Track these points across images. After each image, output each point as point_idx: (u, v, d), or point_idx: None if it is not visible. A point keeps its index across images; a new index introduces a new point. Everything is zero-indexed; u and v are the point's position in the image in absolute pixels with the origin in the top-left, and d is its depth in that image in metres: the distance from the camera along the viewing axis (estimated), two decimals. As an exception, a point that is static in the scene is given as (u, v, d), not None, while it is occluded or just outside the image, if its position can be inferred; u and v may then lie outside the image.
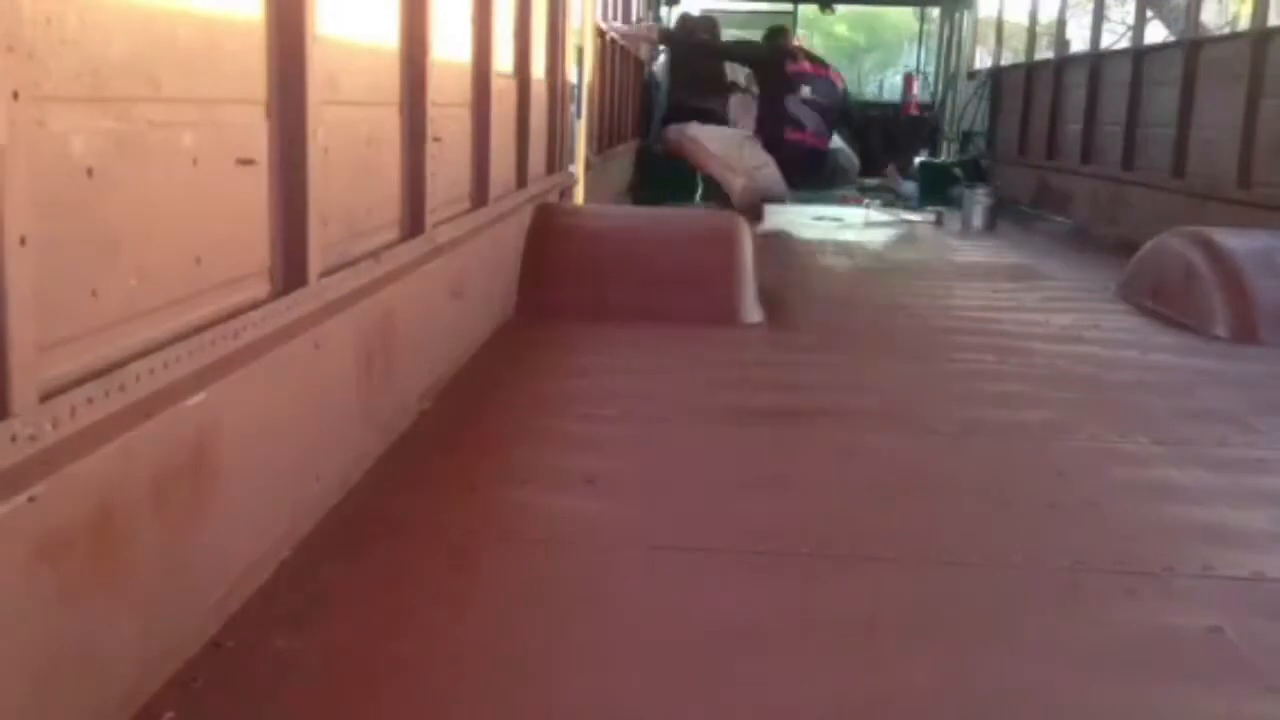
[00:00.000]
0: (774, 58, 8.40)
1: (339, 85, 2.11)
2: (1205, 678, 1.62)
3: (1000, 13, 13.45)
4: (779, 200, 7.75)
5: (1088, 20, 9.49)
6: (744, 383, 3.20)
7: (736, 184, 7.58)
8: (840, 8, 17.31)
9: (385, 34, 2.53)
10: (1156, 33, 10.23)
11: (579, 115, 5.82)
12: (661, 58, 13.43)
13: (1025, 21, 11.65)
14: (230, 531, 1.63)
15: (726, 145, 8.02)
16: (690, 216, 5.31)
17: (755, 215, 6.89)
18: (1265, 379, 3.41)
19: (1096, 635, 1.73)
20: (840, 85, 8.54)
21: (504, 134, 3.78)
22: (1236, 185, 5.97)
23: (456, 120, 3.17)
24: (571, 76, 5.35)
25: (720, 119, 13.41)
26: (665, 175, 10.36)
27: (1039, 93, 10.42)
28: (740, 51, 9.99)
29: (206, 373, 1.56)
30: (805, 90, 8.00)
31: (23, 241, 1.15)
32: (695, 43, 11.67)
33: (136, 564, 1.39)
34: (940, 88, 13.97)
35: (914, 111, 14.05)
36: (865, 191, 11.57)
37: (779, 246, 6.47)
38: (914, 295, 4.68)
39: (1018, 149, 10.76)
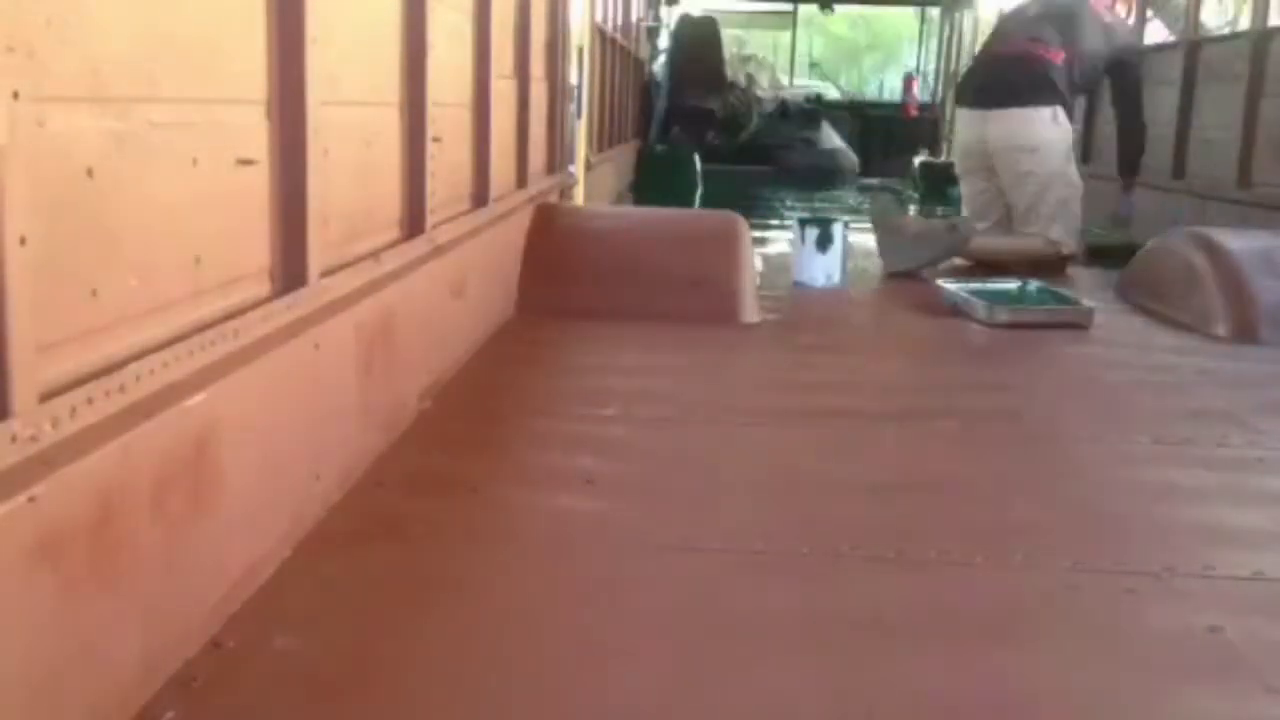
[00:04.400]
0: None
1: (339, 85, 2.11)
2: (1205, 678, 1.62)
3: (1000, 13, 13.42)
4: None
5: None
6: (744, 382, 3.20)
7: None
8: (840, 8, 17.33)
9: (385, 34, 2.53)
10: (1157, 32, 10.24)
11: (579, 115, 5.82)
12: (661, 57, 13.44)
13: (1025, 21, 11.65)
14: (230, 531, 1.63)
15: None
16: (690, 216, 5.31)
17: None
18: (1265, 379, 3.41)
19: (1096, 635, 1.73)
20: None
21: (504, 134, 3.78)
22: (1236, 185, 5.98)
23: (456, 120, 3.17)
24: (571, 76, 5.35)
25: (719, 120, 13.44)
26: (665, 175, 10.38)
27: (1039, 93, 10.42)
28: None
29: (206, 373, 1.56)
30: None
31: (23, 241, 1.15)
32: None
33: (136, 564, 1.39)
34: (940, 88, 13.99)
35: (914, 112, 14.09)
36: (865, 192, 11.58)
37: None
38: (913, 294, 4.67)
39: (1018, 149, 10.75)
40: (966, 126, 5.59)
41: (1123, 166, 5.75)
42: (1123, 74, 5.55)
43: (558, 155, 5.00)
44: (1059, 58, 5.27)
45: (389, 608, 1.73)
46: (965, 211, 5.66)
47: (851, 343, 3.89)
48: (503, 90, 3.73)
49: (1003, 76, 5.34)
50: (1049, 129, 5.23)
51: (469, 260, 3.23)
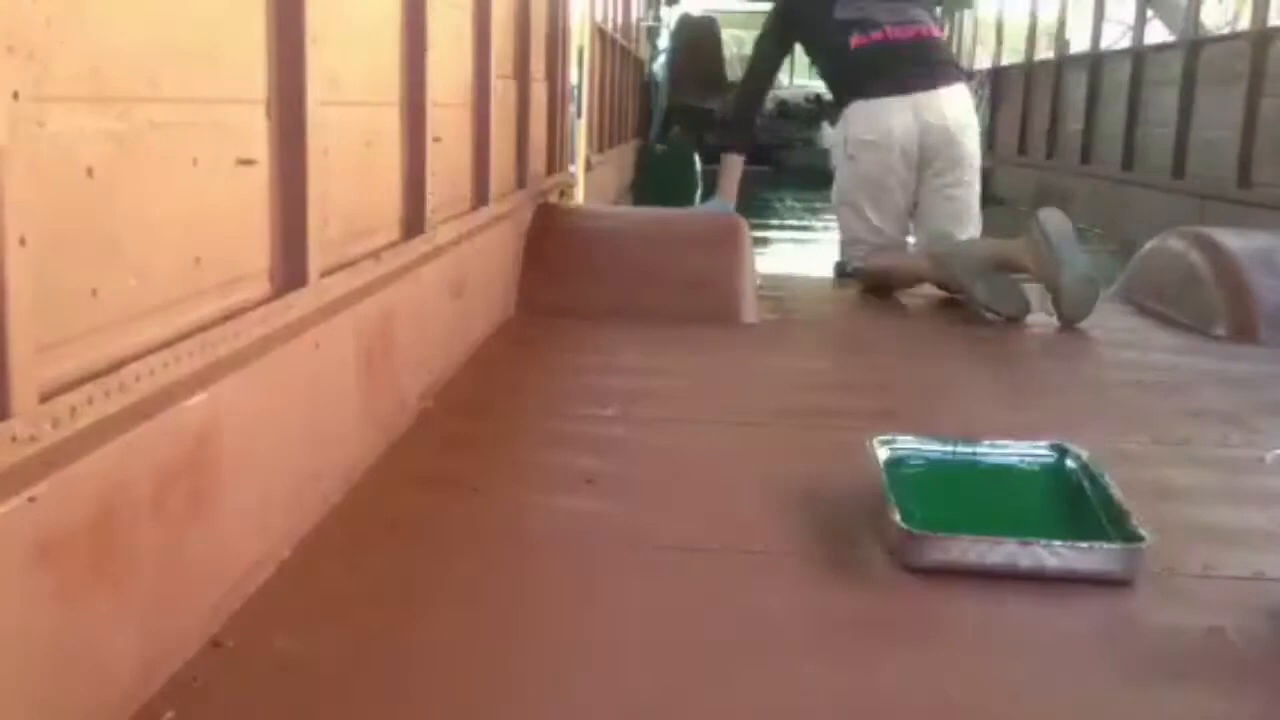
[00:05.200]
0: None
1: (339, 85, 2.11)
2: (1205, 678, 1.62)
3: (1000, 13, 13.44)
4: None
5: (1088, 20, 9.49)
6: (744, 382, 3.20)
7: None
8: (840, 8, 17.31)
9: (385, 34, 2.53)
10: (1157, 32, 10.25)
11: (579, 115, 5.82)
12: (662, 57, 13.46)
13: (1025, 21, 11.67)
14: (230, 531, 1.63)
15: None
16: (690, 216, 5.31)
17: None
18: (1265, 379, 3.41)
19: (1096, 636, 1.73)
20: None
21: (504, 134, 3.78)
22: (1236, 185, 5.99)
23: (456, 120, 3.17)
24: (571, 76, 5.35)
25: (719, 120, 13.45)
26: (665, 175, 10.38)
27: (1039, 93, 10.44)
28: None
29: (206, 373, 1.56)
30: None
31: (23, 241, 1.15)
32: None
33: (136, 564, 1.39)
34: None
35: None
36: None
37: None
38: (913, 294, 4.67)
39: (1018, 149, 10.78)
40: (896, 116, 4.49)
41: None
42: None
43: (558, 155, 5.00)
44: (941, 34, 4.84)
45: (389, 608, 1.73)
46: (868, 240, 4.64)
47: (852, 343, 3.89)
48: (503, 90, 3.73)
49: (919, 57, 4.56)
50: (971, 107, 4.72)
51: (469, 260, 3.23)
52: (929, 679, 1.59)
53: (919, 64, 4.56)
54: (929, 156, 4.53)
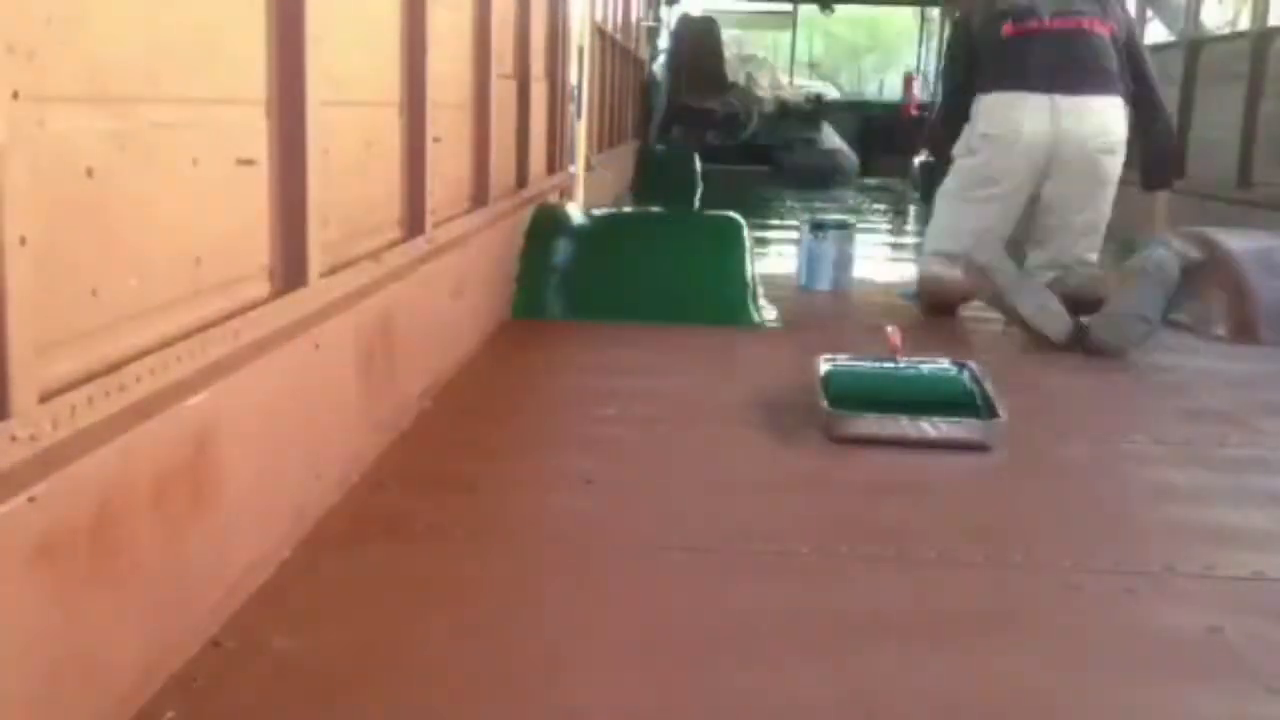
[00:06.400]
0: None
1: (339, 85, 2.11)
2: (1205, 678, 1.62)
3: None
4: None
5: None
6: (743, 383, 3.20)
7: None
8: (840, 7, 17.32)
9: (385, 34, 2.53)
10: (1157, 33, 10.24)
11: (579, 115, 5.82)
12: (661, 57, 13.45)
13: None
14: (230, 531, 1.63)
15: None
16: (690, 216, 5.31)
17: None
18: (1265, 379, 3.41)
19: (1096, 635, 1.73)
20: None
21: (504, 134, 3.78)
22: (1236, 185, 5.98)
23: (456, 120, 3.17)
24: (571, 76, 5.36)
25: (719, 120, 13.46)
26: (665, 175, 10.36)
27: (1039, 93, 10.42)
28: None
29: (206, 373, 1.56)
30: None
31: (23, 241, 1.15)
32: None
33: (137, 564, 1.39)
34: (940, 87, 13.98)
35: (914, 112, 14.09)
36: (866, 192, 11.57)
37: None
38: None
39: (1018, 149, 10.75)
40: (1030, 115, 3.95)
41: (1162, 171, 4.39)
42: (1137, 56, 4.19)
43: (558, 155, 5.01)
44: (1110, 33, 4.05)
45: (389, 608, 1.73)
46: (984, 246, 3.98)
47: (852, 343, 3.88)
48: (503, 90, 3.73)
49: (1071, 54, 3.99)
50: (1124, 125, 4.04)
51: (469, 260, 3.23)
52: (928, 677, 1.59)
53: (1071, 61, 3.98)
54: (1057, 168, 3.98)
